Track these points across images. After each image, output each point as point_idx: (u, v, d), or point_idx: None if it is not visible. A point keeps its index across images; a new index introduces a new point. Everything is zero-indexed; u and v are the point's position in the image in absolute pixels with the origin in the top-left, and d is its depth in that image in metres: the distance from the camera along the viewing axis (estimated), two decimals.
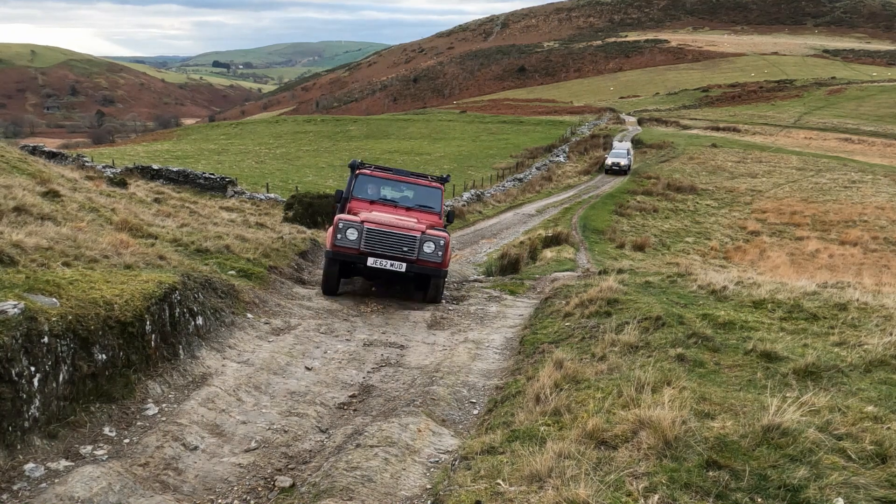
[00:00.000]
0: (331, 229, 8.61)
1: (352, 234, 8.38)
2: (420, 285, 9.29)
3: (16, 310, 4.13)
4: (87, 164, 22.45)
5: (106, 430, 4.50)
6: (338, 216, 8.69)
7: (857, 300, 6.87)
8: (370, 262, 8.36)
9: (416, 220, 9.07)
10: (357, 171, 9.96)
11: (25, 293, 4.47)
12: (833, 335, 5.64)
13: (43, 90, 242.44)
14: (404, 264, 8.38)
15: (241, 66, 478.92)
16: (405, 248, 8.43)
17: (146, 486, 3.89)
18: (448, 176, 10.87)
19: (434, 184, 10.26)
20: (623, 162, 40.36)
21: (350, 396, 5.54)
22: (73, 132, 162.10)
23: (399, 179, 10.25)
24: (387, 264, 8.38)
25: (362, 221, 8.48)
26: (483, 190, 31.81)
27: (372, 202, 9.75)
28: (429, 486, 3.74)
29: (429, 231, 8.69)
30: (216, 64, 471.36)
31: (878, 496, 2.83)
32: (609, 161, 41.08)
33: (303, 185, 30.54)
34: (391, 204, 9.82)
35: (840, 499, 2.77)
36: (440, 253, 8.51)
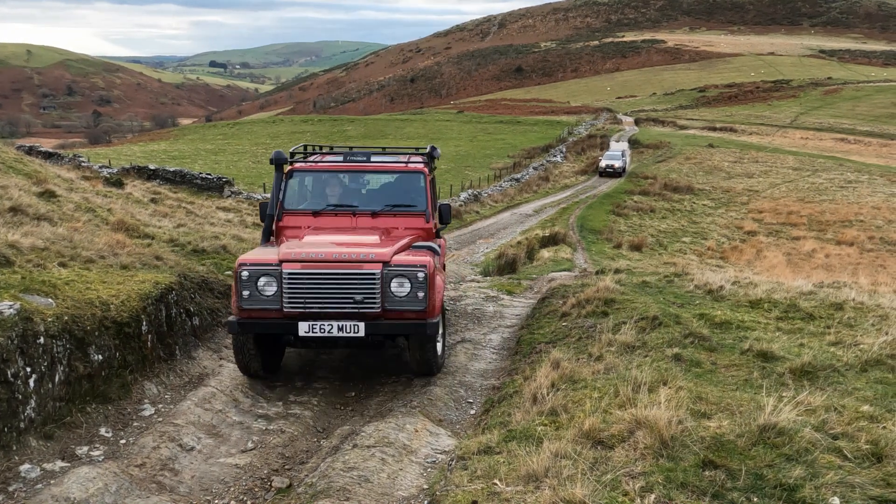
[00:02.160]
0: (233, 283, 5.22)
1: (267, 287, 5.06)
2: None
3: (11, 310, 4.12)
4: (83, 164, 22.41)
5: (102, 430, 4.49)
6: (242, 258, 5.25)
7: (854, 300, 6.89)
8: (303, 329, 5.02)
9: (378, 239, 5.58)
10: (288, 169, 6.31)
11: (21, 294, 4.46)
12: (829, 335, 5.66)
13: (39, 90, 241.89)
14: (361, 324, 5.02)
15: (238, 66, 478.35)
16: (359, 296, 5.04)
17: (142, 486, 3.89)
18: (434, 148, 6.79)
19: (413, 165, 6.42)
20: (617, 164, 39.46)
21: (347, 396, 5.54)
22: (70, 132, 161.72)
23: (356, 168, 6.48)
24: (332, 329, 5.03)
25: (280, 261, 5.06)
26: (480, 190, 31.82)
27: (317, 214, 6.09)
28: (426, 487, 3.75)
29: (399, 257, 5.22)
30: (213, 64, 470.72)
31: (874, 495, 2.84)
32: (603, 163, 40.18)
33: None
34: (348, 212, 6.12)
35: (836, 498, 2.78)
36: (421, 293, 5.06)
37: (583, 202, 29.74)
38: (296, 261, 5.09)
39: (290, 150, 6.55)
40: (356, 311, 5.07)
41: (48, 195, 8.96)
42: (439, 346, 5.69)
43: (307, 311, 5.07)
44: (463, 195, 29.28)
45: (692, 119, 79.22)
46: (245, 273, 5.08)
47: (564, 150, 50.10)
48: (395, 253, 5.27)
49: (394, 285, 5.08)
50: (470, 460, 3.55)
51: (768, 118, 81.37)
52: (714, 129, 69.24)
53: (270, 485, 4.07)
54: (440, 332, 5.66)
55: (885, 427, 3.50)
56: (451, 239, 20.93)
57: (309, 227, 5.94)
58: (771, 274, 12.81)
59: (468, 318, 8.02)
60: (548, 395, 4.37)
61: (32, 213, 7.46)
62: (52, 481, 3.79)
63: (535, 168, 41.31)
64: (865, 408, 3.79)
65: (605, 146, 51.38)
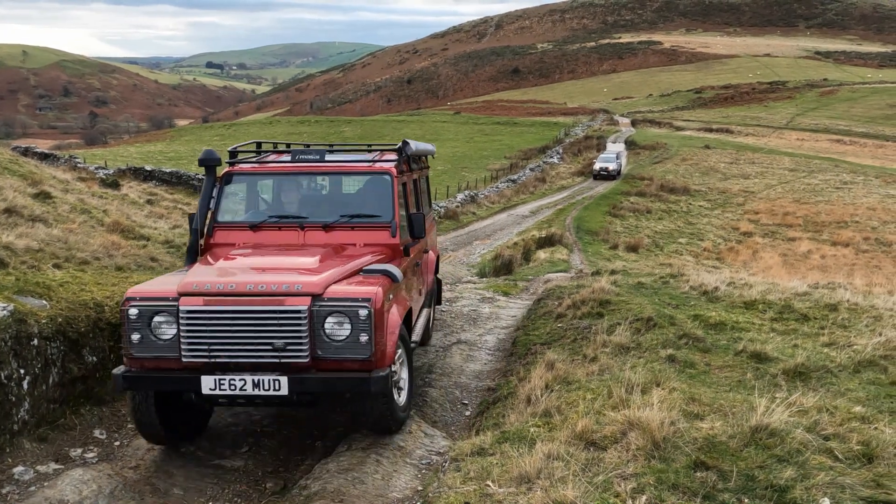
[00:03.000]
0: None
1: (163, 329, 3.88)
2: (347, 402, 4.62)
3: (5, 312, 4.11)
4: (79, 165, 22.36)
5: (96, 432, 4.49)
6: (131, 290, 4.00)
7: (848, 301, 6.92)
8: (207, 385, 3.83)
9: (317, 261, 4.29)
10: (224, 172, 5.11)
11: (15, 295, 4.45)
12: (823, 336, 5.68)
13: (35, 91, 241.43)
14: (284, 378, 3.82)
15: (234, 67, 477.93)
16: (279, 341, 3.83)
17: (136, 489, 3.89)
18: (407, 143, 5.44)
19: (379, 165, 5.14)
20: (611, 166, 38.51)
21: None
22: (66, 133, 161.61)
23: (307, 170, 5.15)
24: (245, 385, 3.83)
25: (178, 295, 3.87)
26: (477, 191, 31.86)
27: (255, 228, 4.85)
28: (420, 488, 3.75)
29: (336, 288, 3.97)
30: (210, 65, 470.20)
31: (864, 496, 2.86)
32: (597, 166, 39.24)
33: None
34: (294, 225, 4.87)
35: (826, 499, 2.79)
36: (364, 336, 3.84)
37: (579, 203, 29.78)
38: (197, 294, 3.83)
39: (230, 149, 5.26)
40: (277, 361, 3.81)
41: (43, 196, 8.95)
42: (401, 396, 4.42)
43: (213, 361, 3.83)
44: (460, 196, 29.31)
45: (688, 120, 79.38)
46: (134, 311, 3.83)
47: (561, 151, 50.18)
48: (333, 281, 3.98)
49: (329, 326, 3.80)
50: (463, 462, 3.55)
51: (764, 119, 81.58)
52: (710, 130, 69.40)
53: (265, 487, 4.08)
54: (399, 383, 4.40)
55: (876, 428, 3.51)
56: (448, 240, 20.94)
57: (244, 245, 4.72)
58: (766, 275, 12.84)
59: (464, 319, 8.03)
60: (542, 396, 4.39)
61: (27, 214, 7.46)
62: (45, 483, 3.79)
63: (531, 169, 41.36)
64: (857, 409, 3.80)
65: (601, 147, 51.42)
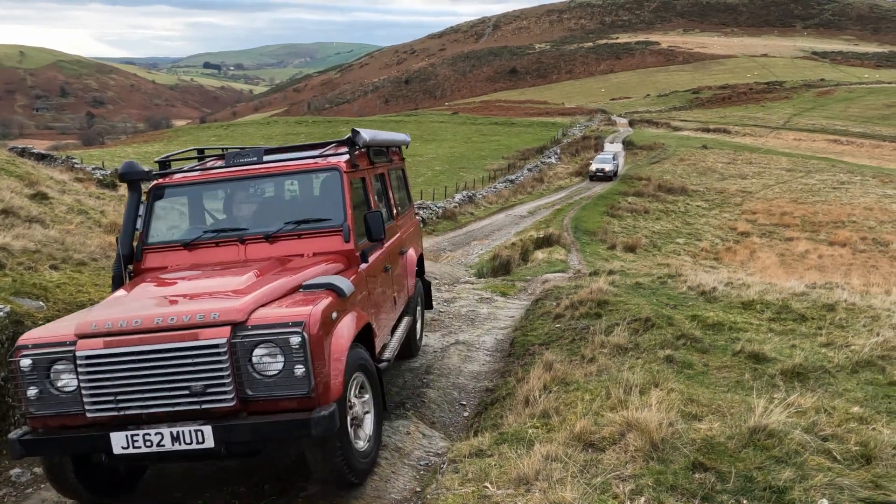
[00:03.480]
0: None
1: (63, 380, 3.30)
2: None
3: (1, 313, 4.10)
4: (76, 165, 22.30)
5: None
6: (24, 336, 3.42)
7: (846, 301, 6.92)
8: (119, 443, 3.20)
9: (248, 280, 3.70)
10: (153, 185, 4.53)
11: (12, 296, 4.44)
12: (821, 336, 5.69)
13: (32, 91, 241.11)
14: (207, 427, 3.20)
15: (232, 68, 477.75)
16: (197, 383, 3.22)
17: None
18: (357, 133, 4.65)
19: (326, 162, 4.50)
20: (608, 167, 38.35)
21: None
22: (63, 133, 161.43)
23: (245, 174, 4.49)
24: (163, 439, 3.20)
25: (76, 337, 3.28)
26: (475, 191, 31.87)
27: (190, 247, 4.27)
28: (418, 490, 3.75)
29: (263, 312, 3.35)
30: (207, 65, 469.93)
31: (863, 497, 2.86)
32: (593, 167, 39.08)
33: None
34: (233, 239, 4.27)
35: (824, 500, 2.79)
36: (300, 368, 3.21)
37: (577, 203, 29.80)
38: (96, 335, 3.21)
39: (158, 159, 4.74)
40: (197, 407, 3.17)
41: (40, 197, 8.93)
42: (360, 437, 3.72)
43: (122, 413, 3.19)
44: (458, 196, 29.33)
45: (686, 120, 79.50)
46: (26, 362, 3.23)
47: (559, 151, 50.22)
48: (261, 304, 3.36)
49: (257, 359, 3.18)
50: (461, 463, 3.55)
51: (761, 119, 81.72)
52: (708, 130, 69.52)
53: (263, 488, 4.06)
54: (359, 419, 3.70)
55: (874, 428, 3.51)
56: (446, 240, 20.94)
57: (178, 268, 4.14)
58: (764, 275, 12.86)
59: (462, 319, 8.03)
60: (540, 397, 4.38)
61: (24, 215, 7.44)
62: (42, 485, 3.78)
63: (529, 169, 41.39)
64: (855, 409, 3.81)
65: (599, 147, 51.49)
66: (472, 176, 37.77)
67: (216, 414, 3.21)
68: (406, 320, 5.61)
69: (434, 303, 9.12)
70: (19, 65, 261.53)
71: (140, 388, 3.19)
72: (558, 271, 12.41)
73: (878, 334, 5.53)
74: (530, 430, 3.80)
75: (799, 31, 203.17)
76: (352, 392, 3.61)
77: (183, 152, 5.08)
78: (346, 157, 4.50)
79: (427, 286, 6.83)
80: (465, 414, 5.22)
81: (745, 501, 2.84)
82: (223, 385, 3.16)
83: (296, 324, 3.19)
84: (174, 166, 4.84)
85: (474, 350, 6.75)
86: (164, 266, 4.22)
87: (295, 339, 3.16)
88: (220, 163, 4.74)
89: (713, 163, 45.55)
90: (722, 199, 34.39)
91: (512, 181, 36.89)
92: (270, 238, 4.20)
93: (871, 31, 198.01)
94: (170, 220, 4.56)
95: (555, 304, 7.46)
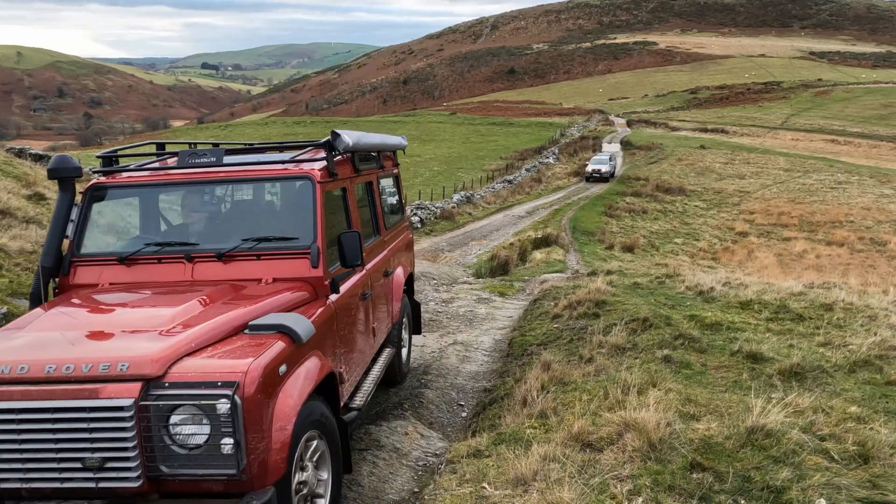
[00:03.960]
0: None
1: None
2: None
3: None
4: None
5: None
6: None
7: (843, 300, 6.93)
8: None
9: (176, 314, 2.88)
10: (91, 184, 3.76)
11: (9, 297, 4.43)
12: (818, 336, 5.69)
13: (30, 92, 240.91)
14: None
15: (230, 68, 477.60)
16: (94, 455, 2.40)
17: None
18: (338, 135, 3.85)
19: (297, 168, 3.71)
20: (604, 168, 37.71)
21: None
22: (61, 134, 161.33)
23: (200, 177, 3.74)
24: None
25: None
26: (473, 192, 31.87)
27: (127, 261, 3.51)
28: (416, 490, 3.75)
29: (188, 363, 2.52)
30: (205, 66, 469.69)
31: (860, 497, 2.86)
32: (590, 168, 38.40)
33: None
34: (180, 256, 3.51)
35: (822, 500, 2.79)
36: (227, 442, 2.40)
37: (575, 204, 29.82)
38: None
39: (100, 154, 4.00)
40: (92, 485, 2.44)
41: (38, 198, 8.91)
42: None
43: None
44: (456, 197, 29.34)
45: (684, 120, 79.58)
46: None
47: (557, 151, 50.24)
48: (190, 350, 2.60)
49: (175, 426, 2.44)
50: (459, 464, 3.54)
51: (759, 120, 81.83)
52: (705, 130, 69.60)
53: None
54: (314, 494, 2.95)
55: (872, 428, 3.51)
56: (445, 241, 20.94)
57: (109, 287, 3.40)
58: (762, 275, 12.87)
59: (460, 320, 8.03)
60: (538, 397, 4.38)
61: (21, 216, 7.43)
62: None
63: (527, 170, 41.41)
64: (853, 409, 3.81)
65: (597, 148, 51.52)
66: (470, 176, 37.77)
67: (118, 494, 2.45)
68: (387, 352, 4.79)
69: (433, 303, 9.15)
70: (16, 65, 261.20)
71: (21, 455, 2.43)
72: (556, 271, 12.41)
73: (875, 334, 5.54)
74: (528, 431, 3.80)
75: (796, 32, 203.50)
76: (305, 458, 2.85)
77: (136, 146, 4.39)
78: (323, 163, 3.74)
79: (416, 308, 5.99)
80: (464, 414, 5.21)
81: (742, 501, 2.84)
82: (127, 459, 2.39)
83: (226, 384, 2.40)
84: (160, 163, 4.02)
85: (472, 350, 6.75)
86: (96, 283, 3.44)
87: (223, 406, 2.38)
88: (171, 162, 3.92)
89: (711, 163, 45.60)
90: (720, 199, 34.42)
91: (510, 181, 36.90)
92: (224, 257, 3.43)
93: (868, 31, 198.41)
94: (109, 227, 3.89)
95: (553, 304, 7.47)
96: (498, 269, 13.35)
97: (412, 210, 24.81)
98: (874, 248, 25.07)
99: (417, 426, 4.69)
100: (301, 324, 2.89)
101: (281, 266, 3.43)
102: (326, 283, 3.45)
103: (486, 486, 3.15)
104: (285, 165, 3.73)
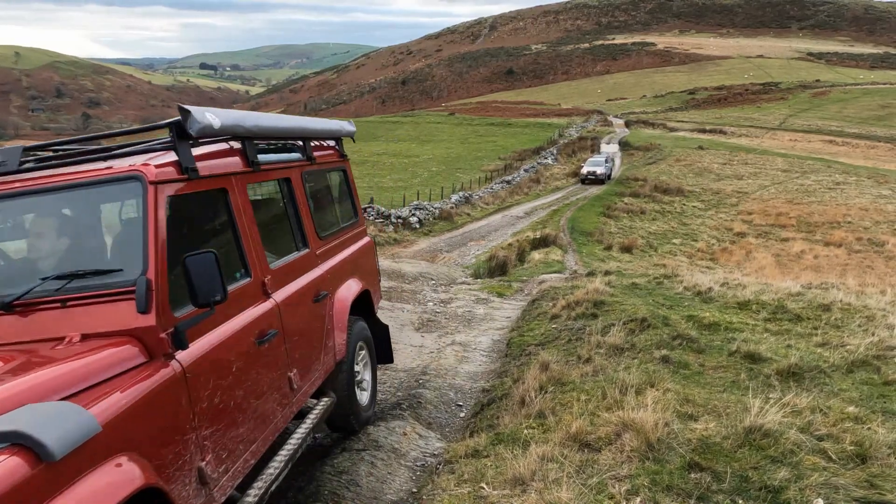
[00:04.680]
0: None
1: None
2: None
3: None
4: None
5: None
6: None
7: (841, 301, 6.94)
8: None
9: None
10: None
11: None
12: (816, 336, 5.70)
13: (28, 92, 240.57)
14: None
15: (228, 68, 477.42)
16: None
17: None
18: (189, 113, 2.60)
19: (124, 167, 2.48)
20: (599, 170, 37.12)
21: None
22: (59, 134, 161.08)
23: None
24: None
25: None
26: (471, 192, 31.88)
27: None
28: (414, 490, 3.74)
29: None
30: (203, 66, 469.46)
31: (858, 496, 2.86)
32: (585, 169, 37.89)
33: None
34: None
35: (820, 499, 2.79)
36: None
37: (574, 204, 29.83)
38: None
39: None
40: None
41: None
42: None
43: None
44: (454, 197, 29.35)
45: (682, 121, 79.66)
46: None
47: (555, 152, 50.27)
48: None
49: None
50: (457, 464, 3.54)
51: (757, 120, 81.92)
52: (704, 131, 69.67)
53: None
54: None
55: (869, 428, 3.52)
56: (443, 241, 20.95)
57: None
58: (760, 275, 12.89)
59: (458, 320, 8.03)
60: (536, 397, 4.38)
61: None
62: None
63: (526, 170, 41.42)
64: (851, 409, 3.81)
65: (595, 148, 51.57)
66: (468, 177, 37.78)
67: None
68: (320, 408, 3.76)
69: (431, 303, 9.10)
70: (15, 65, 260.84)
71: None
72: (555, 272, 12.41)
73: (873, 334, 5.55)
74: (526, 431, 3.80)
75: (794, 32, 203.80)
76: None
77: None
78: (170, 157, 2.61)
79: (383, 331, 4.88)
80: (462, 414, 5.21)
81: (740, 501, 2.84)
82: None
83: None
84: None
85: (470, 351, 6.75)
86: None
87: None
88: None
89: (709, 163, 45.63)
90: (718, 200, 34.45)
91: (508, 182, 36.91)
92: (12, 307, 2.33)
93: (866, 32, 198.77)
94: None
95: (551, 304, 7.47)
96: (496, 269, 13.36)
97: (410, 210, 24.80)
98: (872, 249, 25.10)
99: (416, 426, 4.68)
100: (57, 425, 1.75)
101: (94, 315, 2.32)
102: (164, 335, 2.32)
103: (485, 486, 3.15)
104: (109, 163, 2.59)
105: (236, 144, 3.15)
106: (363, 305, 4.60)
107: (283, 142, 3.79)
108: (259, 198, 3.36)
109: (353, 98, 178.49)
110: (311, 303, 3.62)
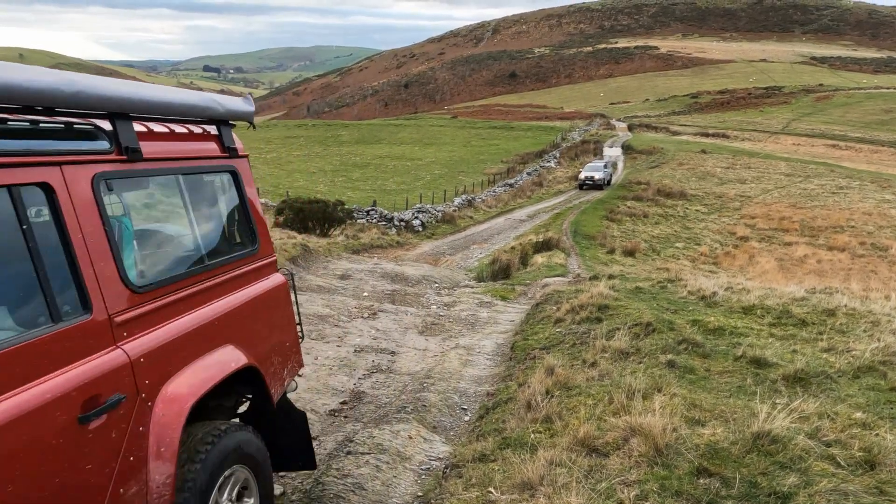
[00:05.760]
0: None
1: None
2: None
3: None
4: None
5: None
6: None
7: (846, 306, 6.93)
8: None
9: None
10: None
11: None
12: (822, 341, 5.69)
13: None
14: None
15: (231, 71, 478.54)
16: None
17: None
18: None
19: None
20: (598, 176, 36.28)
21: (341, 403, 5.51)
22: None
23: None
24: None
25: None
26: (474, 195, 31.89)
27: None
28: (420, 494, 3.73)
29: None
30: (207, 68, 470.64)
31: (867, 503, 2.85)
32: (582, 175, 36.93)
33: (293, 190, 30.49)
34: None
35: None
36: None
37: (576, 207, 29.81)
38: None
39: None
40: None
41: None
42: None
43: None
44: (457, 200, 29.36)
45: (685, 125, 79.63)
46: None
47: (558, 155, 50.27)
48: None
49: None
50: (465, 468, 3.54)
51: (760, 124, 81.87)
52: (707, 134, 69.64)
53: None
54: None
55: (877, 434, 3.51)
56: (446, 244, 20.95)
57: None
58: (763, 279, 12.87)
59: (462, 323, 8.02)
60: (542, 401, 4.37)
61: None
62: None
63: (528, 173, 41.43)
64: (858, 415, 3.80)
65: (598, 152, 51.56)
66: (471, 180, 37.79)
67: None
68: None
69: (434, 307, 9.10)
70: None
71: None
72: (558, 275, 12.40)
73: (878, 339, 5.53)
74: (533, 435, 3.79)
75: (798, 37, 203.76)
76: None
77: None
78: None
79: (298, 425, 3.31)
80: (466, 418, 5.20)
81: None
82: None
83: None
84: None
85: (474, 354, 6.74)
86: None
87: None
88: None
89: (712, 167, 45.60)
90: (721, 204, 34.41)
91: (511, 185, 36.91)
92: None
93: (869, 36, 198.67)
94: None
95: (555, 308, 7.46)
96: (499, 272, 13.34)
97: (413, 213, 24.80)
98: (875, 253, 25.05)
99: (420, 430, 4.68)
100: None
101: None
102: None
103: (493, 490, 3.14)
104: None
105: None
106: (260, 390, 2.90)
107: (53, 119, 2.03)
108: None
109: (356, 101, 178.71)
110: (68, 425, 1.88)
